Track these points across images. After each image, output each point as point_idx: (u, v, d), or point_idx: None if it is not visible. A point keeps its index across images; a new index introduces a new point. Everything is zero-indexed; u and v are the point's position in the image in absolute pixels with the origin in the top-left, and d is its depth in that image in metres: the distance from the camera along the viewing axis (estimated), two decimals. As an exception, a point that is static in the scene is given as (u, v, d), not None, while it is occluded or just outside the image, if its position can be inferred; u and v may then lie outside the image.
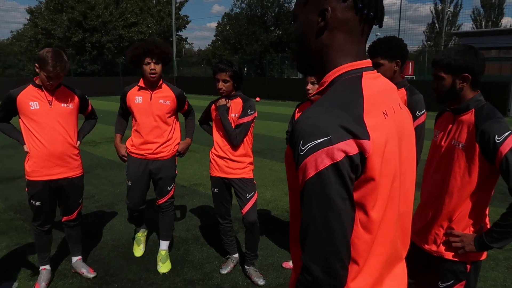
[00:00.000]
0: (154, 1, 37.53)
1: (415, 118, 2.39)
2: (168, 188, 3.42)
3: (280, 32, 26.16)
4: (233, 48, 29.31)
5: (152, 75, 3.13)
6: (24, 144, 2.92)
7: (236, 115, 3.07)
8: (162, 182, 3.38)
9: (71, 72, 26.36)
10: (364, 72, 0.97)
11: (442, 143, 1.89)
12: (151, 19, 36.28)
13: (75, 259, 3.34)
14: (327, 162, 0.82)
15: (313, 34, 0.99)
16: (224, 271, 3.34)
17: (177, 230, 4.22)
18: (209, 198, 3.45)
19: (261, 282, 3.17)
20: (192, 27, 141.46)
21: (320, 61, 1.00)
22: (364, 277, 0.93)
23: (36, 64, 2.77)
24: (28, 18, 32.57)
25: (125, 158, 3.44)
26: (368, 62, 1.00)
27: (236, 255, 3.45)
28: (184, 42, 42.30)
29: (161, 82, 3.28)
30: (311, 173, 0.84)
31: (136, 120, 3.30)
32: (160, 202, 3.45)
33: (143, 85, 3.25)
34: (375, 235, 0.92)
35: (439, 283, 1.89)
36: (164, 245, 3.51)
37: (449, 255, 1.85)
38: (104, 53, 31.39)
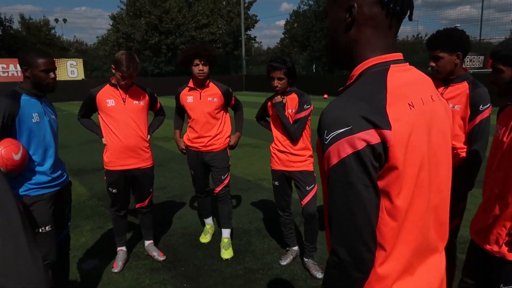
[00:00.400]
0: (224, 2, 38.60)
1: (478, 112, 2.28)
2: (223, 177, 3.65)
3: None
4: (301, 45, 29.21)
5: (200, 75, 3.39)
6: (103, 137, 3.27)
7: (293, 110, 3.14)
8: (217, 172, 3.64)
9: (148, 72, 28.17)
10: (391, 65, 0.99)
11: (504, 139, 1.79)
12: (221, 19, 37.41)
13: (147, 243, 3.66)
14: (349, 151, 0.88)
15: (342, 30, 1.03)
16: (284, 262, 3.43)
17: (240, 221, 4.41)
18: (272, 192, 3.57)
19: (319, 275, 3.21)
20: (261, 25, 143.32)
21: (349, 55, 1.05)
22: (392, 263, 0.96)
23: (113, 66, 3.09)
24: (111, 24, 35.39)
25: (184, 151, 3.78)
26: (397, 55, 1.03)
27: (296, 248, 3.53)
28: (253, 41, 43.05)
29: (208, 81, 3.52)
30: (334, 161, 0.90)
31: (189, 117, 3.60)
32: (216, 191, 3.67)
33: (193, 86, 3.54)
34: (402, 223, 0.95)
35: (501, 285, 1.80)
36: (225, 233, 3.72)
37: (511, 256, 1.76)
38: (178, 54, 33.02)
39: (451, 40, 2.31)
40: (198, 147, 3.61)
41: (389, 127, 0.88)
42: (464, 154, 2.42)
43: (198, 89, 3.53)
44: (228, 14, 37.75)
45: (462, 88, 2.37)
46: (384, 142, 0.89)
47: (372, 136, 0.88)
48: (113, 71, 3.10)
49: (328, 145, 0.91)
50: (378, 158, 0.89)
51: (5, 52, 32.09)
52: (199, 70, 3.39)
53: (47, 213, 2.48)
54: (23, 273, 0.71)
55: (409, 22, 1.05)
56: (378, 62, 1.00)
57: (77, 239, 4.03)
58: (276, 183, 3.35)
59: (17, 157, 2.21)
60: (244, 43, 30.91)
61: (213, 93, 3.54)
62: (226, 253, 3.59)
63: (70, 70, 26.91)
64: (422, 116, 0.97)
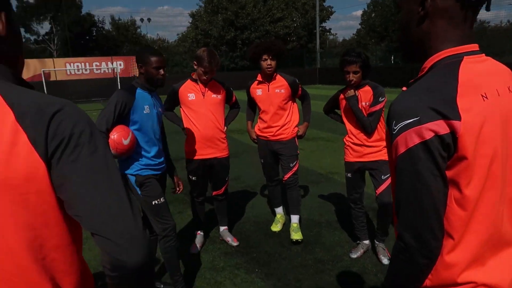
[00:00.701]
0: (300, -5, 38.41)
1: None
2: (291, 165, 3.77)
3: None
4: (379, 36, 28.04)
5: (268, 69, 3.54)
6: (184, 128, 3.53)
7: (367, 103, 3.11)
8: (285, 159, 3.77)
9: (224, 67, 29.11)
10: (465, 57, 0.99)
11: None
12: (296, 12, 37.25)
13: (222, 228, 3.89)
14: (417, 140, 0.91)
15: (415, 23, 1.05)
16: (354, 255, 3.43)
17: (311, 213, 4.47)
18: (344, 186, 3.58)
19: (385, 261, 3.23)
20: (336, 17, 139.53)
21: (422, 48, 1.06)
22: (460, 252, 0.98)
23: (195, 62, 3.33)
24: (190, 21, 37.11)
25: (256, 141, 3.97)
26: (473, 47, 1.02)
27: (367, 242, 3.50)
28: (328, 33, 42.31)
29: (275, 74, 3.65)
30: (402, 150, 0.94)
31: (259, 109, 3.78)
32: (285, 178, 3.79)
33: (261, 79, 3.70)
34: (471, 213, 0.95)
35: None
36: (294, 218, 3.85)
37: None
38: (247, 50, 33.67)
39: None
40: (268, 136, 3.77)
41: (458, 117, 0.90)
42: None
43: (266, 82, 3.69)
44: (303, 7, 37.50)
45: None
46: (453, 133, 0.90)
47: (440, 126, 0.90)
48: (195, 67, 3.34)
49: (396, 135, 0.95)
50: (447, 148, 0.91)
51: (98, 52, 35.34)
52: (267, 65, 3.54)
53: (158, 188, 2.79)
54: (126, 228, 0.85)
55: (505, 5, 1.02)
56: (451, 54, 1.01)
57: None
58: (349, 175, 3.36)
59: (126, 142, 2.51)
60: (318, 36, 30.51)
61: (280, 85, 3.67)
62: (296, 235, 3.73)
63: (154, 66, 28.69)
64: (497, 108, 0.96)
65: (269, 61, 3.53)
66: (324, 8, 37.96)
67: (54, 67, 25.12)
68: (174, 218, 4.48)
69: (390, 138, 0.98)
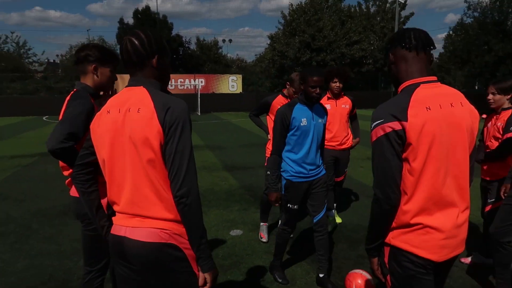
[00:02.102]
0: (378, 18, 38.23)
1: None
2: (345, 169, 4.72)
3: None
4: (461, 61, 26.95)
5: (336, 90, 4.51)
6: (268, 133, 4.37)
7: None
8: (341, 165, 4.68)
9: (298, 87, 29.91)
10: (422, 84, 1.63)
11: None
12: (374, 35, 37.12)
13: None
14: (381, 133, 1.57)
15: (391, 67, 1.73)
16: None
17: (361, 219, 4.98)
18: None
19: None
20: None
21: (397, 81, 1.72)
22: (411, 204, 1.61)
23: (288, 82, 4.25)
24: (268, 43, 38.74)
25: None
26: (430, 78, 1.65)
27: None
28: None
29: (342, 93, 4.59)
30: (373, 139, 1.61)
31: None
32: (338, 180, 4.73)
33: (330, 96, 4.58)
34: (417, 178, 1.58)
35: None
36: (332, 212, 4.68)
37: None
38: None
39: None
40: (334, 145, 4.58)
41: (406, 120, 1.54)
42: None
43: (334, 99, 4.60)
44: (382, 30, 37.24)
45: None
46: (404, 129, 1.54)
47: (395, 125, 1.55)
48: (287, 86, 4.27)
49: (371, 130, 1.61)
50: (401, 138, 1.56)
51: (182, 69, 38.37)
52: (336, 86, 4.49)
53: (299, 196, 3.26)
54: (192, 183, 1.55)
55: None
56: (411, 83, 1.65)
57: (227, 215, 5.22)
58: None
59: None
60: (395, 59, 30.10)
61: (345, 101, 4.61)
62: (337, 218, 4.86)
63: (231, 84, 30.62)
64: (438, 115, 1.57)
65: (338, 83, 4.47)
66: (403, 31, 37.31)
67: (145, 82, 27.90)
68: (240, 214, 5.31)
69: (370, 132, 1.64)
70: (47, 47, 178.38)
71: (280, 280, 3.44)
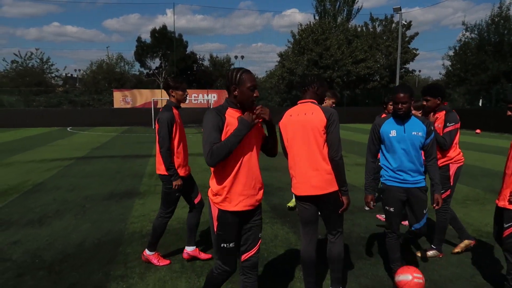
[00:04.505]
0: (385, 37, 39.79)
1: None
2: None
3: (516, 60, 23.84)
4: (458, 79, 28.32)
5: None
6: None
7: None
8: None
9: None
10: (298, 102, 3.18)
11: None
12: (380, 54, 38.66)
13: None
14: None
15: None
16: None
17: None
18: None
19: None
20: (422, 56, 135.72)
21: None
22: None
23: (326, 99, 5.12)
24: (278, 60, 40.58)
25: None
26: (305, 100, 3.14)
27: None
28: (411, 74, 42.77)
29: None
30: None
31: None
32: None
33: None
34: (289, 152, 3.21)
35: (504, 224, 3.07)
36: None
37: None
38: (333, 87, 35.80)
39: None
40: None
41: (281, 121, 3.17)
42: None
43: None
44: (387, 49, 38.76)
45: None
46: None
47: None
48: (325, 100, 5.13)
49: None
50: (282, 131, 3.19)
51: (196, 84, 40.36)
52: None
53: (394, 199, 3.45)
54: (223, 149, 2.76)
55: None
56: (299, 103, 3.18)
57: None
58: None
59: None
60: (398, 77, 31.59)
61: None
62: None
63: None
64: (294, 119, 3.10)
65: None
66: (408, 50, 38.85)
67: (161, 97, 29.88)
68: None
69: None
70: (64, 62, 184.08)
71: None
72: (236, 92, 2.52)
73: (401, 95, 3.29)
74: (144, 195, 7.33)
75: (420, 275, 3.29)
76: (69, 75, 62.29)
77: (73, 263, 4.12)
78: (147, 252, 4.11)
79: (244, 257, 2.69)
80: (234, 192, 2.53)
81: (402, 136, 3.35)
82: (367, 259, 4.26)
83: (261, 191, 2.69)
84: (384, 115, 5.12)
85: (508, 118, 3.16)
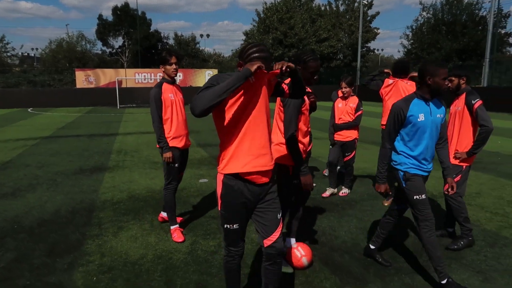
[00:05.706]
0: (348, 16, 40.71)
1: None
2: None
3: (466, 40, 25.30)
4: (416, 57, 29.77)
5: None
6: None
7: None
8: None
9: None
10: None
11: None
12: (343, 33, 39.61)
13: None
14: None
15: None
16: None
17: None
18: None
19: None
20: (385, 35, 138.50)
21: None
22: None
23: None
24: (244, 39, 40.69)
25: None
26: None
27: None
28: (372, 53, 44.15)
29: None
30: None
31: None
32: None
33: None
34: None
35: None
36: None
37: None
38: (298, 65, 36.49)
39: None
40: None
41: None
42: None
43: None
44: (350, 28, 39.77)
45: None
46: None
47: None
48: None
49: None
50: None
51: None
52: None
53: (422, 186, 3.09)
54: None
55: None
56: None
57: (198, 172, 7.26)
58: None
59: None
60: (359, 56, 32.68)
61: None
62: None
63: (208, 78, 32.54)
64: None
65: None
66: (370, 29, 39.99)
67: (126, 76, 29.58)
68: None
69: None
70: (19, 40, 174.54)
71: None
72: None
73: (446, 70, 2.94)
74: (113, 169, 7.71)
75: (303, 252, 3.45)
76: (26, 54, 59.71)
77: (51, 228, 4.55)
78: (170, 226, 4.28)
79: (266, 242, 2.40)
80: (240, 150, 2.28)
81: (429, 120, 3.05)
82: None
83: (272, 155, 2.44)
84: (340, 92, 5.58)
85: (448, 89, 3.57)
